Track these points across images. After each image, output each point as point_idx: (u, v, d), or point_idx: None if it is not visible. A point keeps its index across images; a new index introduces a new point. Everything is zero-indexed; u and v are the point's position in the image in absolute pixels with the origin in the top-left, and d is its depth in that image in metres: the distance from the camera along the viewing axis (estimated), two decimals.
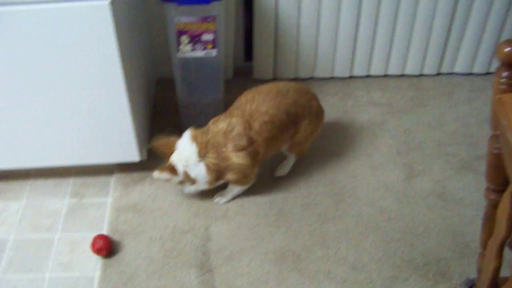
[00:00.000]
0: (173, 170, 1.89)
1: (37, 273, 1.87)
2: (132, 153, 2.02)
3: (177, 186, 2.01)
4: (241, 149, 1.87)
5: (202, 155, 1.88)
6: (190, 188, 1.96)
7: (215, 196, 2.05)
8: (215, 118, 1.93)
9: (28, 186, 2.18)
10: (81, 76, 1.77)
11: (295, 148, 2.06)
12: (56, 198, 2.11)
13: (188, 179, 1.91)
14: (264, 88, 1.95)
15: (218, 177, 1.93)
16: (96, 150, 2.00)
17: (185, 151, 1.89)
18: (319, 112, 2.03)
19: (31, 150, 1.99)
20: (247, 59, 2.61)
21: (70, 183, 2.17)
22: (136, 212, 2.02)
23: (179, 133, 1.97)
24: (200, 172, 1.89)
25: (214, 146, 1.88)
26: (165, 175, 1.89)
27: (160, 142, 1.96)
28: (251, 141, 1.88)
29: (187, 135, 1.91)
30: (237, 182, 1.97)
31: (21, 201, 2.12)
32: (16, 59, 1.72)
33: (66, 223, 2.02)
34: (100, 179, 2.17)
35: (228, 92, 2.36)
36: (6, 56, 1.71)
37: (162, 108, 2.48)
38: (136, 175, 2.14)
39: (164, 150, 1.95)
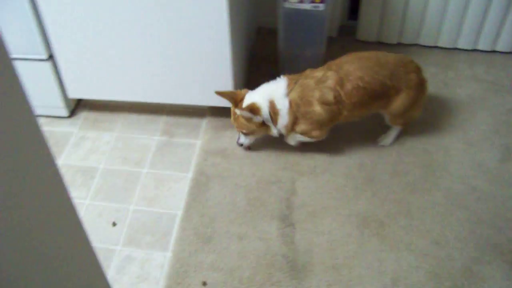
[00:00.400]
0: (255, 109, 1.91)
1: (122, 204, 1.96)
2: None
3: (264, 136, 2.03)
4: (326, 103, 1.90)
5: (289, 89, 1.92)
6: (274, 131, 1.99)
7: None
8: (314, 69, 1.95)
9: (121, 119, 2.26)
10: (188, 14, 1.80)
11: (396, 120, 2.04)
12: (147, 134, 2.18)
13: (273, 114, 1.93)
14: (365, 54, 1.96)
15: (294, 123, 1.95)
16: (192, 90, 2.04)
17: (274, 83, 1.95)
18: (420, 85, 1.98)
19: (129, 83, 2.06)
20: (352, 18, 2.56)
21: (162, 121, 2.24)
22: (224, 158, 2.06)
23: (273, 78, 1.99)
24: (284, 107, 1.92)
25: (303, 86, 1.91)
26: (246, 113, 1.91)
27: (226, 92, 1.98)
28: (337, 99, 1.89)
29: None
30: (306, 132, 1.98)
31: (113, 132, 2.21)
32: None
33: (154, 159, 2.09)
34: (192, 121, 2.22)
35: (329, 49, 2.34)
36: None
37: (260, 58, 2.49)
38: (227, 121, 2.17)
39: (230, 97, 1.96)
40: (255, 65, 2.45)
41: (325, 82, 1.90)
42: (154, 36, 1.87)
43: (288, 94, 1.91)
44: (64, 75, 2.09)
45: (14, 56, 2.05)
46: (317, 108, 1.90)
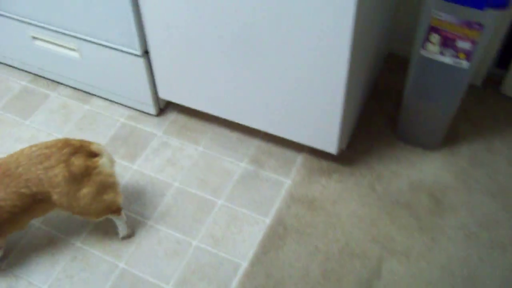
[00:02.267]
0: None
1: (186, 236, 1.88)
2: (329, 142, 1.87)
3: (359, 196, 1.84)
4: None
5: None
6: None
7: None
8: None
9: (210, 131, 2.16)
10: (304, 39, 1.61)
11: (90, 215, 1.78)
12: (234, 158, 2.06)
13: None
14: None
15: None
16: (291, 123, 1.88)
17: None
18: (73, 176, 1.67)
19: (224, 99, 1.96)
20: (501, 66, 2.25)
21: (254, 145, 2.11)
22: (311, 210, 1.90)
23: (390, 127, 1.77)
24: None
25: None
26: None
27: None
28: None
29: None
30: None
31: (198, 146, 2.11)
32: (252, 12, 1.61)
33: (234, 190, 1.97)
34: (286, 153, 2.07)
35: (467, 100, 2.07)
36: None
37: (383, 92, 2.26)
38: (325, 164, 2.00)
39: None
40: (375, 99, 2.23)
41: None
42: (261, 54, 1.71)
43: None
44: (157, 74, 2.01)
45: (109, 45, 1.99)
46: None
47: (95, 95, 2.33)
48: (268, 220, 1.89)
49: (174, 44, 1.85)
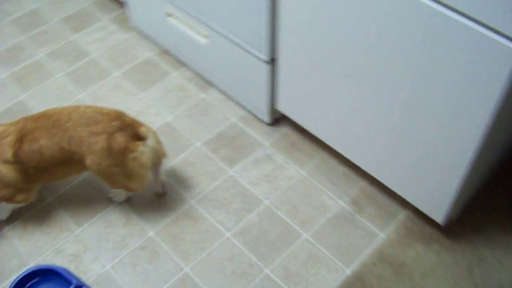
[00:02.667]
0: None
1: (260, 260, 1.80)
2: (438, 210, 1.71)
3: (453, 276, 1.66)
4: (6, 161, 1.73)
5: None
6: None
7: None
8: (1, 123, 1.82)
9: (318, 157, 2.06)
10: (444, 96, 1.45)
11: (111, 186, 1.86)
12: (334, 192, 1.95)
13: None
14: (51, 111, 1.77)
15: None
16: (404, 177, 1.73)
17: None
18: (110, 151, 1.69)
19: (342, 132, 1.85)
20: None
21: (359, 185, 1.98)
22: (397, 275, 1.75)
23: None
24: None
25: None
26: None
27: None
28: (18, 159, 1.73)
29: None
30: (5, 198, 1.82)
31: (301, 170, 2.02)
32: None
33: (323, 228, 1.86)
34: (390, 204, 1.92)
35: None
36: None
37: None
38: (427, 230, 1.84)
39: None
40: (501, 176, 2.01)
41: (4, 138, 1.74)
42: (394, 97, 1.57)
43: None
44: (279, 84, 1.94)
45: (239, 42, 1.92)
46: (1, 168, 1.73)
47: (214, 85, 2.28)
48: (348, 271, 1.76)
49: (305, 59, 1.75)
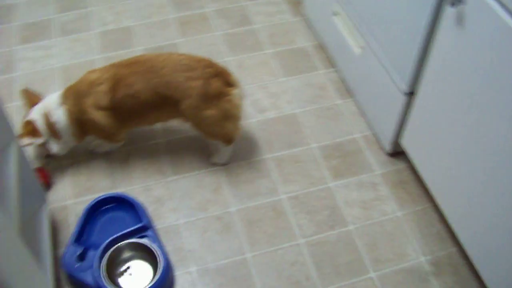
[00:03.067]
0: (32, 130, 1.87)
1: (318, 279, 1.77)
2: None
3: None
4: (102, 108, 1.85)
5: (63, 99, 1.89)
6: (59, 147, 1.95)
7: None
8: (94, 69, 1.91)
9: (420, 206, 1.97)
10: None
11: (205, 135, 1.97)
12: (420, 246, 1.87)
13: (50, 128, 1.90)
14: (144, 57, 1.87)
15: (83, 131, 1.94)
16: (494, 265, 1.62)
17: (48, 97, 1.93)
18: (206, 95, 1.80)
19: (459, 199, 1.73)
20: None
21: (450, 248, 1.87)
22: None
23: None
24: (60, 118, 1.88)
25: (76, 93, 1.88)
26: (25, 140, 1.85)
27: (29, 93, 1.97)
28: (113, 105, 1.84)
29: None
30: (101, 139, 2.01)
31: (400, 211, 1.95)
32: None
33: (390, 276, 1.80)
34: (469, 281, 1.80)
35: None
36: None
37: None
38: None
39: (29, 100, 1.94)
40: None
41: (99, 85, 1.84)
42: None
43: (62, 103, 1.89)
44: (411, 120, 1.86)
45: (384, 62, 1.89)
46: (95, 115, 1.86)
47: (353, 96, 2.26)
48: None
49: (443, 103, 1.67)
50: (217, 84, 1.81)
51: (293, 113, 2.19)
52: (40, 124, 1.90)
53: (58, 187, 2.00)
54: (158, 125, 2.14)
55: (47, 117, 1.90)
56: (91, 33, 2.60)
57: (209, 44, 2.46)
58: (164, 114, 1.92)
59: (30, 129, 1.89)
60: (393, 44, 1.81)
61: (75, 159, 2.08)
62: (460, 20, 1.49)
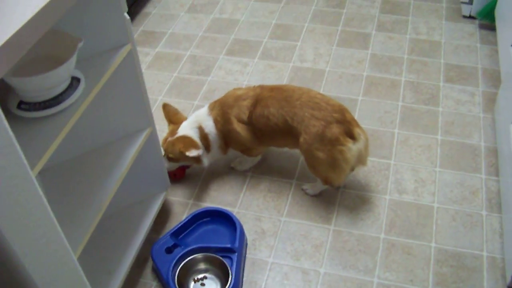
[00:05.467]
0: (191, 143, 2.05)
1: None
2: None
3: None
4: (241, 121, 2.07)
5: (211, 110, 2.14)
6: (207, 159, 2.12)
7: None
8: (238, 88, 2.19)
9: None
10: None
11: (310, 169, 2.08)
12: None
13: (204, 140, 2.10)
14: (286, 87, 2.09)
15: (226, 142, 2.15)
16: None
17: (197, 112, 2.18)
18: (324, 139, 1.94)
19: None
20: None
21: None
22: None
23: None
24: (211, 129, 2.11)
25: (222, 105, 2.12)
26: (192, 152, 2.00)
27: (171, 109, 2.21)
28: (250, 120, 2.05)
29: None
30: (241, 151, 2.20)
31: None
32: None
33: None
34: None
35: None
36: None
37: None
38: None
39: (170, 116, 2.19)
40: None
41: (244, 100, 2.08)
42: None
43: (210, 113, 2.12)
44: None
45: None
46: (236, 126, 2.07)
47: (503, 213, 2.11)
48: None
49: None
50: (336, 131, 1.92)
51: (430, 206, 2.13)
52: (196, 137, 2.10)
53: (186, 186, 2.21)
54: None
55: (201, 129, 2.11)
56: (287, 65, 2.79)
57: (385, 111, 2.48)
58: (288, 141, 2.08)
59: (189, 142, 2.06)
60: None
61: (214, 169, 2.27)
62: None
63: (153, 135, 1.85)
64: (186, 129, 2.11)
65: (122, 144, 1.76)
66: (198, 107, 2.51)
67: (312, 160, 2.01)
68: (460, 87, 2.63)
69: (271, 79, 2.70)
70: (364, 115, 2.49)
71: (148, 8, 3.32)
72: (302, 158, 2.16)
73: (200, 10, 3.27)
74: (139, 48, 2.95)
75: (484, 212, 2.12)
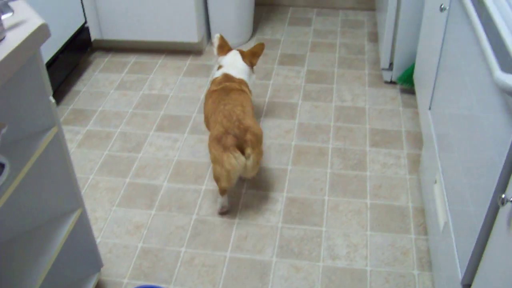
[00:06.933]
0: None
1: None
2: None
3: None
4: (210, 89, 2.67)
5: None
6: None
7: None
8: None
9: None
10: None
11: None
12: None
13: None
14: (233, 91, 2.55)
15: None
16: None
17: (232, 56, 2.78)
18: (221, 143, 2.29)
19: None
20: None
21: None
22: None
23: None
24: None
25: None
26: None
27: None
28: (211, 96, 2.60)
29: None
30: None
31: None
32: None
33: None
34: None
35: None
36: None
37: None
38: None
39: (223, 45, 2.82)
40: None
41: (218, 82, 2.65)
42: None
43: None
44: None
45: None
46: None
47: (432, 271, 2.19)
48: None
49: None
50: (230, 142, 2.24)
51: (363, 269, 2.18)
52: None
53: (120, 265, 2.19)
54: None
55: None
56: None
57: (314, 179, 2.56)
58: (209, 127, 2.50)
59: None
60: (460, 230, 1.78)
61: (148, 247, 2.27)
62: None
63: (83, 216, 1.86)
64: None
65: (51, 228, 1.76)
66: (130, 184, 2.53)
67: (210, 154, 2.35)
68: (385, 150, 2.75)
69: (201, 153, 2.74)
70: (294, 184, 2.55)
71: (78, 87, 3.34)
72: (235, 233, 2.20)
73: (129, 87, 3.32)
74: (69, 127, 2.96)
75: (416, 272, 2.19)
